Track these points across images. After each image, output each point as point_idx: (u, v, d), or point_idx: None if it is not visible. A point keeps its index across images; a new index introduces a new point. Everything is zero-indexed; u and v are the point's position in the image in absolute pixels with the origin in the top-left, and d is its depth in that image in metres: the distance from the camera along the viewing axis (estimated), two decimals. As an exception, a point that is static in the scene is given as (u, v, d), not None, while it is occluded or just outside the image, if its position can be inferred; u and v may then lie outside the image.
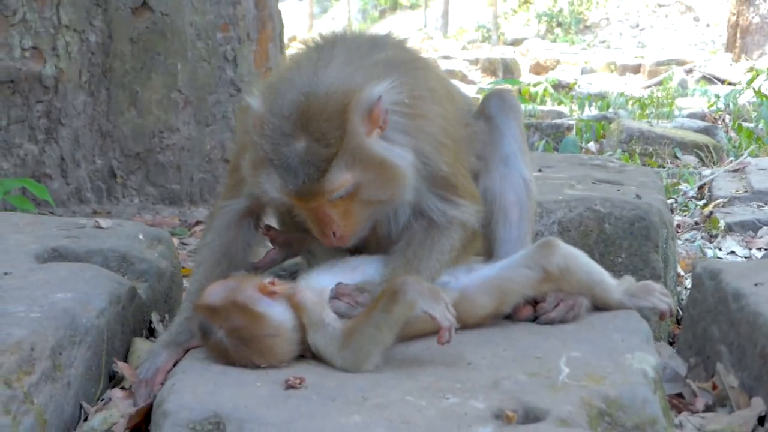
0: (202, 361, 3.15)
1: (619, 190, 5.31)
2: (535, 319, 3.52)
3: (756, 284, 3.71)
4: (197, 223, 7.47)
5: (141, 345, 3.73)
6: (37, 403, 2.98)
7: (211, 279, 3.46)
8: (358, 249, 3.70)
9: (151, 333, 4.02)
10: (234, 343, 3.09)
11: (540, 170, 5.99)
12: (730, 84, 21.38)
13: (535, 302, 3.53)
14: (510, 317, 3.53)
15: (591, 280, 3.57)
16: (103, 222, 4.36)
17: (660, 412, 2.87)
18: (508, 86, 5.03)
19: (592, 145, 12.03)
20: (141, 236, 4.25)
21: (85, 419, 3.28)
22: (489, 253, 3.77)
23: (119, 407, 3.25)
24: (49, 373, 3.09)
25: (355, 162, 3.15)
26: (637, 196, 5.07)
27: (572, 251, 3.54)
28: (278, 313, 3.13)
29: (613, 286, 3.65)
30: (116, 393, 3.39)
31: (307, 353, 3.17)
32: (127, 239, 4.22)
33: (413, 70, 3.50)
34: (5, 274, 3.62)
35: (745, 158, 10.28)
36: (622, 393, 2.87)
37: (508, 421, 2.73)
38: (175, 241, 6.86)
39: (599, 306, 3.59)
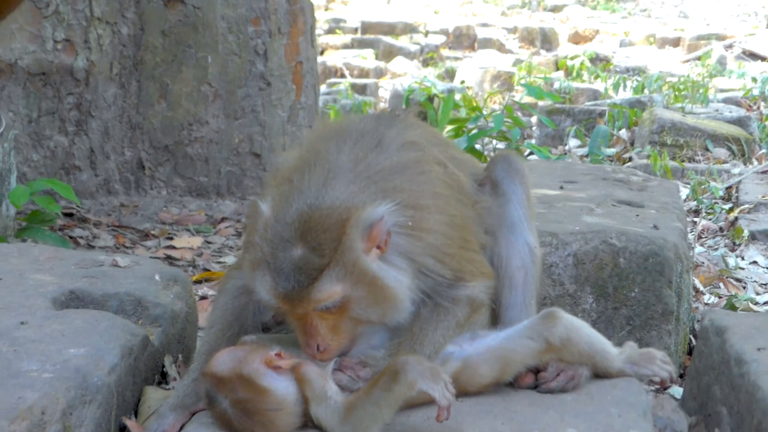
0: (208, 427, 3.24)
1: (638, 215, 5.33)
2: (535, 387, 3.57)
3: (759, 349, 3.74)
4: (223, 219, 7.55)
5: (152, 394, 3.81)
6: (47, 468, 3.08)
7: (221, 342, 3.57)
8: None
9: (164, 377, 4.11)
10: (238, 414, 3.18)
11: (561, 187, 6.02)
12: (769, 61, 21.24)
13: (537, 370, 3.58)
14: (511, 384, 3.58)
15: (593, 350, 3.62)
16: (121, 260, 4.45)
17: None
18: (514, 151, 5.16)
19: (623, 133, 12.01)
20: (157, 277, 4.33)
21: (95, 478, 3.38)
22: (494, 318, 3.82)
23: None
24: (60, 435, 3.19)
25: (346, 276, 3.20)
26: (655, 226, 5.09)
27: (575, 322, 3.59)
28: (282, 387, 3.20)
29: (615, 355, 3.70)
30: (126, 451, 3.49)
31: (309, 423, 3.24)
32: (144, 281, 4.29)
33: (419, 174, 3.52)
34: (22, 323, 3.72)
35: (775, 158, 10.24)
36: (613, 479, 2.93)
37: None
38: (200, 239, 6.97)
39: (600, 374, 3.64)
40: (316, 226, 3.20)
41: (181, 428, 3.38)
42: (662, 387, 3.79)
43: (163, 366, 4.11)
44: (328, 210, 3.22)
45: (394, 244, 3.31)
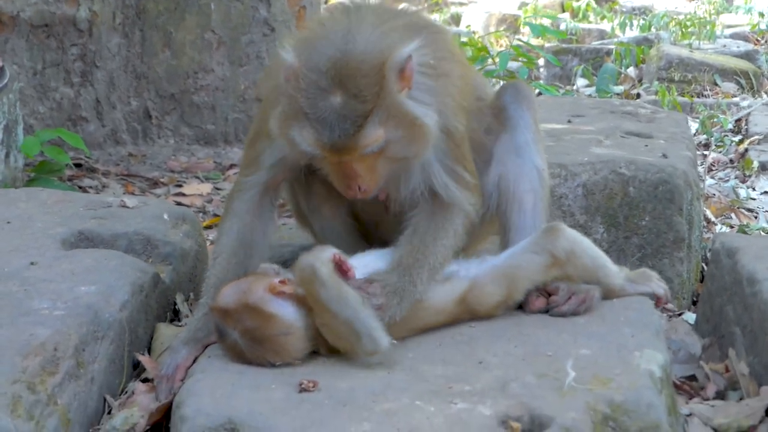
0: (220, 359, 3.24)
1: (647, 146, 5.32)
2: (547, 311, 3.57)
3: (771, 268, 3.74)
4: (231, 166, 7.54)
5: (165, 330, 3.82)
6: (60, 404, 3.08)
7: (229, 271, 3.57)
8: (368, 240, 3.80)
9: (176, 314, 4.11)
10: (248, 344, 3.18)
11: (569, 121, 6.00)
12: (777, -4, 21.04)
13: (548, 294, 3.58)
14: (523, 309, 3.58)
15: (595, 264, 3.60)
16: (129, 201, 4.44)
17: (664, 416, 2.92)
18: (522, 80, 5.12)
19: (631, 71, 11.95)
20: (166, 216, 4.32)
21: (109, 412, 3.39)
22: (504, 243, 3.82)
23: (141, 404, 3.34)
24: (73, 371, 3.19)
25: (388, 119, 3.23)
26: (664, 155, 5.07)
27: (577, 236, 3.57)
28: (289, 312, 3.21)
29: (616, 272, 3.69)
30: (139, 387, 3.49)
31: (320, 349, 3.25)
32: (152, 220, 4.29)
33: (434, 33, 3.60)
34: (32, 264, 3.72)
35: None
36: (628, 397, 2.92)
37: (512, 431, 2.81)
38: (209, 185, 6.97)
39: (603, 291, 3.62)
40: (354, 72, 3.21)
41: (194, 361, 3.38)
42: (657, 305, 3.77)
43: (175, 303, 4.11)
44: (362, 55, 3.24)
45: (420, 82, 3.35)
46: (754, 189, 7.27)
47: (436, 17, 20.77)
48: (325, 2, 21.50)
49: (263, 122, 3.58)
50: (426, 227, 3.54)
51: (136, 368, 3.68)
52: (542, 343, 3.29)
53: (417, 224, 3.57)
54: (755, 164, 7.63)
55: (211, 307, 3.33)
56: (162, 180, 7.13)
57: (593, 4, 19.49)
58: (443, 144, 3.51)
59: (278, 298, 3.22)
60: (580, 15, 18.94)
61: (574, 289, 3.54)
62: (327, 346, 3.25)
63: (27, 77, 7.17)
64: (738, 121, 9.33)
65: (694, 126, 8.91)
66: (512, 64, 10.23)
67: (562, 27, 15.80)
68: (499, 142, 3.87)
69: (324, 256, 3.21)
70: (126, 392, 3.51)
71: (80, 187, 6.64)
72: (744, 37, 14.40)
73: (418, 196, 3.59)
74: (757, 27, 15.32)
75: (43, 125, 7.18)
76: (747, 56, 12.09)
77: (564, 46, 13.07)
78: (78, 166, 7.12)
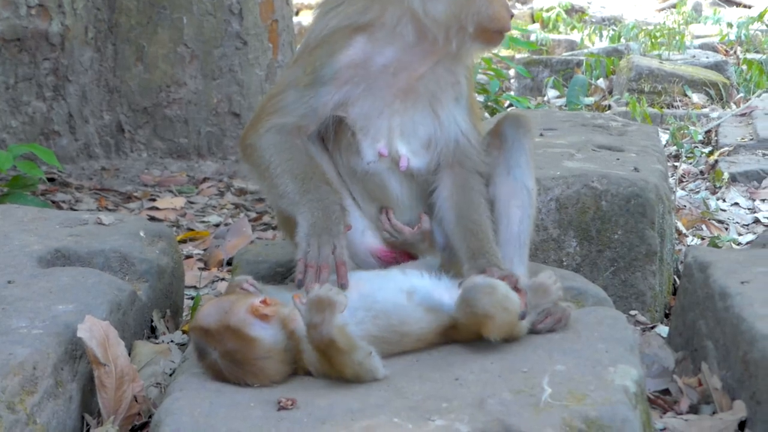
0: (199, 378, 3.25)
1: (618, 159, 5.37)
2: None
3: (743, 282, 3.79)
4: (205, 179, 7.55)
5: (142, 348, 3.83)
6: (40, 423, 3.10)
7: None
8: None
9: (153, 331, 4.12)
10: (228, 365, 3.18)
11: (541, 134, 6.04)
12: (745, 7, 21.22)
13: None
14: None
15: None
16: (105, 218, 4.45)
17: (639, 431, 2.96)
18: (524, 113, 5.23)
19: (601, 82, 12.03)
20: (142, 233, 4.33)
21: (88, 431, 3.39)
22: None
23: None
24: (51, 390, 3.20)
25: None
26: (635, 168, 5.12)
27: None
28: (270, 335, 3.21)
29: None
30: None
31: (299, 370, 3.26)
32: (129, 237, 4.30)
33: None
34: (9, 282, 3.72)
35: (753, 102, 10.27)
36: (602, 413, 2.95)
37: (488, 449, 2.84)
38: (182, 199, 6.97)
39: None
40: None
41: (174, 379, 3.39)
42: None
43: (152, 320, 4.12)
44: None
45: None
46: (724, 200, 7.33)
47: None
48: (296, 14, 21.55)
49: (301, 69, 3.80)
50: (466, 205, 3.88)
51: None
52: (518, 359, 3.32)
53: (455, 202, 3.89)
54: (725, 175, 7.70)
55: (192, 326, 3.33)
56: (135, 194, 7.13)
57: (563, 15, 19.61)
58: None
59: (260, 320, 3.22)
60: (550, 26, 19.06)
61: (551, 309, 3.58)
62: (307, 369, 3.26)
63: (-1, 92, 7.16)
64: (708, 132, 9.40)
65: (664, 137, 8.98)
66: (482, 77, 10.29)
67: (533, 38, 15.89)
68: (497, 165, 4.00)
69: (335, 319, 3.13)
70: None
71: (53, 202, 6.63)
72: (713, 48, 14.53)
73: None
74: (726, 38, 15.45)
75: (16, 140, 7.17)
76: (716, 67, 12.19)
77: (535, 57, 13.16)
78: (51, 180, 7.11)
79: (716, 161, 8.23)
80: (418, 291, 3.49)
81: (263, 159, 3.75)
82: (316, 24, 3.88)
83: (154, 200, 7.02)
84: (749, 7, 20.81)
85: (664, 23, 17.56)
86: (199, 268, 5.71)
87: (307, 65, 3.79)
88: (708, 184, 7.81)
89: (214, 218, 6.75)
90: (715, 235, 6.42)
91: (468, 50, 3.84)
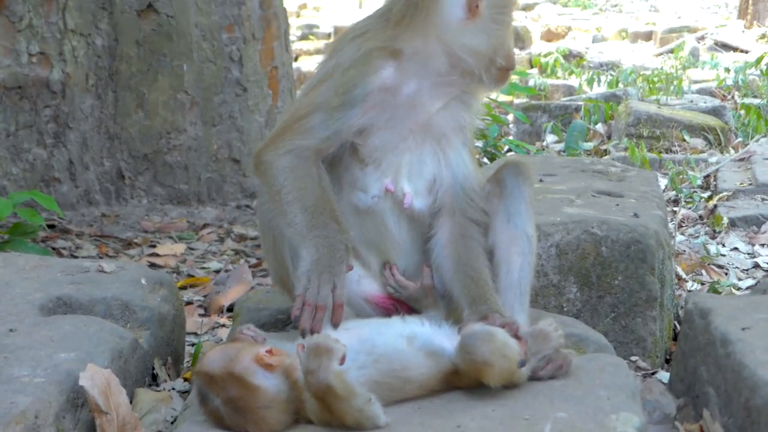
0: (200, 425, 3.25)
1: (618, 205, 5.38)
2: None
3: (743, 329, 3.79)
4: (205, 225, 7.56)
5: (144, 395, 3.83)
6: (41, 472, 3.09)
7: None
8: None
9: (154, 379, 4.12)
10: (230, 413, 3.18)
11: (541, 180, 6.06)
12: (741, 51, 21.35)
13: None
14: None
15: None
16: (107, 266, 4.46)
17: (642, 479, 2.96)
18: (524, 160, 5.23)
19: (600, 127, 12.06)
20: (143, 280, 4.35)
21: (89, 480, 3.39)
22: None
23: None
24: (53, 439, 3.21)
25: None
26: (635, 214, 5.13)
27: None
28: (273, 385, 3.20)
29: None
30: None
31: (301, 420, 3.26)
32: (130, 285, 4.31)
33: None
34: (11, 330, 3.73)
35: (751, 147, 10.30)
36: (605, 463, 2.96)
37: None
38: (182, 245, 6.97)
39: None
40: None
41: (175, 427, 3.39)
42: None
43: (153, 368, 4.12)
44: None
45: None
46: (723, 245, 7.33)
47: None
48: (295, 60, 21.64)
49: (332, 90, 3.77)
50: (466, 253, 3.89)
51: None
52: (519, 406, 3.32)
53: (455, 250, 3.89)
54: (725, 220, 7.70)
55: (195, 371, 3.33)
56: (136, 240, 7.14)
57: (561, 60, 19.71)
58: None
59: (264, 369, 3.22)
60: (549, 71, 19.15)
61: (552, 355, 3.58)
62: (309, 418, 3.25)
63: (0, 139, 7.18)
64: (707, 177, 9.41)
65: (663, 182, 8.99)
66: (479, 123, 10.30)
67: (531, 83, 15.96)
68: (497, 212, 4.01)
69: (333, 366, 3.14)
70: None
71: (54, 249, 6.64)
72: (710, 93, 14.60)
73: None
74: (723, 83, 15.52)
75: (17, 187, 7.19)
76: (714, 112, 12.22)
77: (533, 102, 13.19)
78: (51, 227, 7.12)
79: (715, 206, 8.23)
80: (418, 337, 3.50)
81: (277, 181, 3.73)
82: (345, 49, 3.85)
83: (154, 246, 7.02)
84: (746, 52, 20.95)
85: (662, 68, 17.65)
86: (200, 315, 5.71)
87: (339, 86, 3.77)
88: (707, 229, 7.82)
89: (214, 264, 6.75)
90: (715, 280, 6.42)
91: (484, 88, 3.95)
